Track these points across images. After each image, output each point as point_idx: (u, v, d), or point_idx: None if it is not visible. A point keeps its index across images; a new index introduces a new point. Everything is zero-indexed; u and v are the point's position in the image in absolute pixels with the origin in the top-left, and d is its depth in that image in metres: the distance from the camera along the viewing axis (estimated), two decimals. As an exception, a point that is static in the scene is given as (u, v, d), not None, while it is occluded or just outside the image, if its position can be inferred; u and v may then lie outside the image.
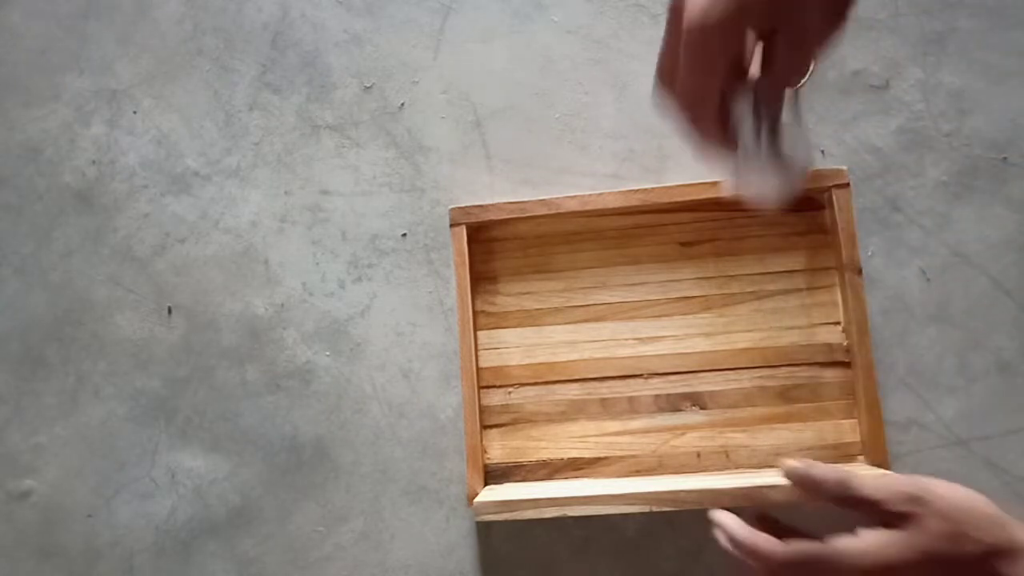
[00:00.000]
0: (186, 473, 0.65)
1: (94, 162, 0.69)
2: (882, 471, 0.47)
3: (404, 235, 0.66)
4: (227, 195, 0.67)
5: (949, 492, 0.41)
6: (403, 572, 0.62)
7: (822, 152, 0.62)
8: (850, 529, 0.42)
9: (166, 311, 0.67)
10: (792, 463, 0.46)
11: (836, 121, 0.63)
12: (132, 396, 0.66)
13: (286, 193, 0.67)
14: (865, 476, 0.43)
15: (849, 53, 0.63)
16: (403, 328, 0.65)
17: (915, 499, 0.41)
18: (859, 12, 0.63)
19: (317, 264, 0.66)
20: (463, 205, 0.63)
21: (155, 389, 0.66)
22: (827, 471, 0.44)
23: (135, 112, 0.69)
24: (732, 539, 0.45)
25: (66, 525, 0.65)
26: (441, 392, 0.63)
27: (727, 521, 0.46)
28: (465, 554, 0.62)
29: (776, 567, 0.42)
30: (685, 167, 0.63)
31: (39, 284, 0.68)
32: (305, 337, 0.65)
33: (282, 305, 0.66)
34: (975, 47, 0.62)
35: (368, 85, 0.67)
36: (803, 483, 0.45)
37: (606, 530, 0.61)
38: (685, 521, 0.60)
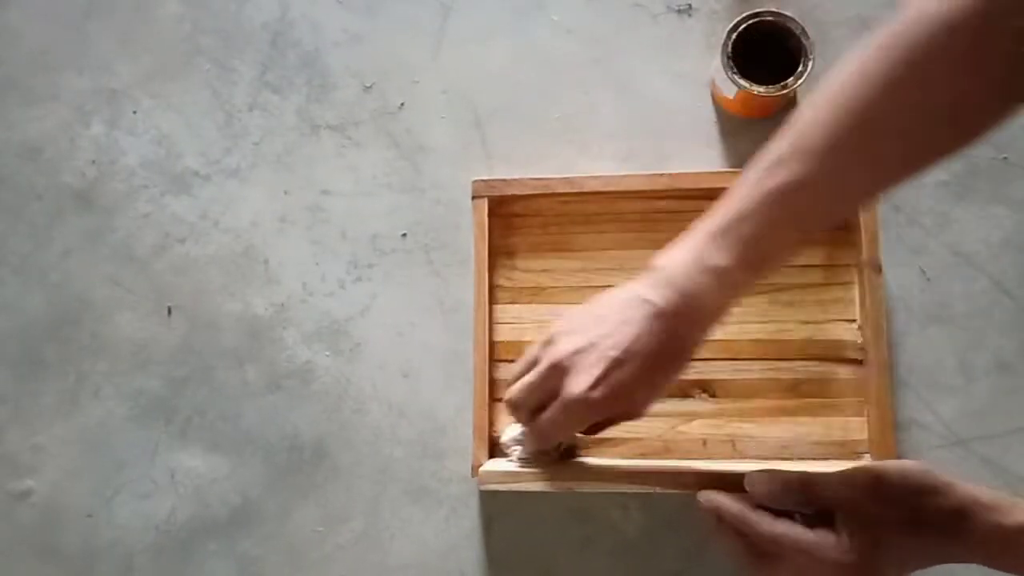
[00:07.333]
0: (186, 473, 0.65)
1: (94, 162, 0.69)
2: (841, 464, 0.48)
3: (404, 235, 0.66)
4: (227, 195, 0.67)
5: (898, 472, 0.43)
6: (403, 572, 0.62)
7: (822, 152, 0.62)
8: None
9: (166, 311, 0.67)
10: (756, 475, 0.46)
11: (836, 121, 0.63)
12: (132, 396, 0.66)
13: (286, 193, 0.67)
14: (822, 473, 0.44)
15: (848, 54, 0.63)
16: (403, 328, 0.65)
17: (871, 483, 0.42)
18: (859, 11, 0.64)
19: (317, 264, 0.66)
20: (485, 178, 0.63)
21: (155, 389, 0.66)
22: (789, 474, 0.45)
23: (135, 112, 0.69)
24: (722, 513, 0.45)
25: (66, 525, 0.65)
26: (441, 392, 0.63)
27: (716, 496, 0.46)
28: (465, 554, 0.62)
29: (763, 541, 0.43)
30: (685, 168, 0.63)
31: (38, 284, 0.68)
32: (305, 337, 0.65)
33: (282, 305, 0.66)
34: (975, 47, 0.62)
35: (368, 85, 0.67)
36: (769, 492, 0.45)
37: (606, 530, 0.61)
38: (685, 521, 0.60)
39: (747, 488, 0.46)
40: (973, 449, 0.59)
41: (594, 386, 0.44)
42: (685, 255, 0.44)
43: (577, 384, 0.44)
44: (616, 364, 0.44)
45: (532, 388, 0.47)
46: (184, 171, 0.68)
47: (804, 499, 0.44)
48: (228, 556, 0.64)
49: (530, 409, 0.48)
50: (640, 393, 0.46)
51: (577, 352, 0.45)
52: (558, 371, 0.46)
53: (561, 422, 0.47)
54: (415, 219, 0.66)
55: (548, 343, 0.48)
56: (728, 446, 0.60)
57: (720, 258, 0.42)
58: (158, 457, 0.65)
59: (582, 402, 0.44)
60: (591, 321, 0.46)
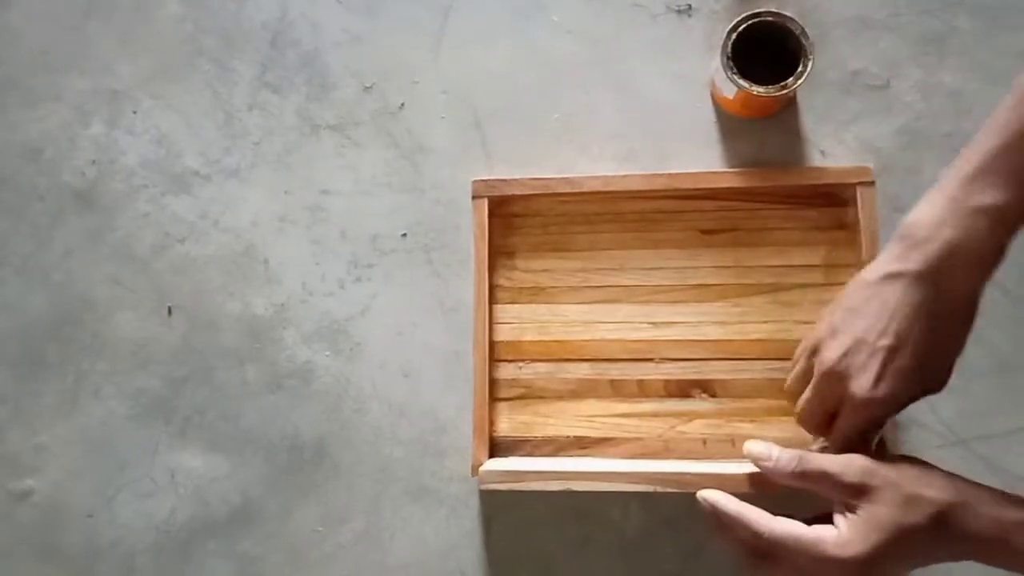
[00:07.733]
0: (186, 473, 0.65)
1: (94, 162, 0.69)
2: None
3: (404, 235, 0.66)
4: (227, 195, 0.67)
5: (894, 464, 0.43)
6: (403, 571, 0.62)
7: (822, 152, 0.63)
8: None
9: (166, 311, 0.67)
10: (754, 444, 0.47)
11: (836, 121, 0.63)
12: (132, 396, 0.66)
13: (286, 193, 0.67)
14: (817, 454, 0.45)
15: (848, 53, 0.63)
16: (403, 328, 0.65)
17: (868, 471, 0.42)
18: (858, 11, 0.64)
19: (317, 264, 0.66)
20: (485, 178, 0.63)
21: (155, 389, 0.66)
22: (784, 450, 0.45)
23: (135, 112, 0.69)
24: (720, 513, 0.45)
25: (66, 525, 0.65)
26: (442, 392, 0.64)
27: (715, 496, 0.46)
28: (465, 553, 0.62)
29: (763, 542, 0.43)
30: (684, 168, 0.63)
31: (39, 284, 0.68)
32: (305, 337, 0.65)
33: (282, 305, 0.66)
34: (975, 47, 0.62)
35: (368, 85, 0.67)
36: (763, 461, 0.46)
37: (606, 530, 0.61)
38: (685, 521, 0.60)
39: (744, 454, 0.47)
40: (973, 449, 0.59)
41: (876, 383, 0.42)
42: (938, 206, 0.41)
43: (859, 387, 0.43)
44: (892, 353, 0.42)
45: (815, 405, 0.46)
46: (184, 171, 0.68)
47: (797, 469, 0.44)
48: (228, 556, 0.64)
49: (822, 423, 0.47)
50: (933, 366, 0.44)
51: (847, 354, 0.44)
52: (835, 378, 0.44)
53: (859, 426, 0.45)
54: (415, 219, 0.66)
55: (814, 352, 0.46)
56: (727, 445, 0.60)
57: (989, 196, 0.40)
58: (158, 457, 0.65)
59: (870, 403, 0.43)
60: (849, 316, 0.44)
